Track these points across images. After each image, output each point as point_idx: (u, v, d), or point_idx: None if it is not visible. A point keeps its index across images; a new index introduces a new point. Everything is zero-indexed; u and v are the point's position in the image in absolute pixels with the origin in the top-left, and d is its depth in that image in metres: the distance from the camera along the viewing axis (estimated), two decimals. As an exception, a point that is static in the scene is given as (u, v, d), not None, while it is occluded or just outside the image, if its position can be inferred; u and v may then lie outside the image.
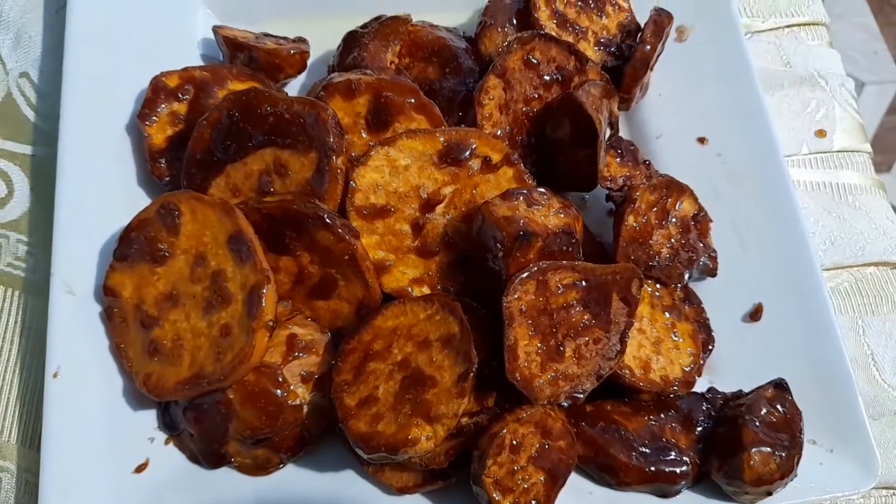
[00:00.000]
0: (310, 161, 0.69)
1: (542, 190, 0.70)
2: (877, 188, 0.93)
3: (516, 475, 0.63)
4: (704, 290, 0.80)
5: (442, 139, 0.70)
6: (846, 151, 0.94)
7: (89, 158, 0.74)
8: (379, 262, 0.70)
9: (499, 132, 0.76)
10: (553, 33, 0.81)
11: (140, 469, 0.67)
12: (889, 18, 2.45)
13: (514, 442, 0.63)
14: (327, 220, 0.66)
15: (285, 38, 0.86)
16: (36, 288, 0.77)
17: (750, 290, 0.80)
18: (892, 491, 0.79)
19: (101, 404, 0.68)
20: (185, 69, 0.77)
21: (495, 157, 0.71)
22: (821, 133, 0.94)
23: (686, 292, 0.79)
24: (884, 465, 0.80)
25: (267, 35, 0.86)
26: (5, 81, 0.84)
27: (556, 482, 0.65)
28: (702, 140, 0.86)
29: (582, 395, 0.67)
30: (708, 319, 0.78)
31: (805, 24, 1.01)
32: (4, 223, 0.79)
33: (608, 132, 0.81)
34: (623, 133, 0.88)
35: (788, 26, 1.01)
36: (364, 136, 0.73)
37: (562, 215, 0.68)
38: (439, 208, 0.71)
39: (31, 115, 0.83)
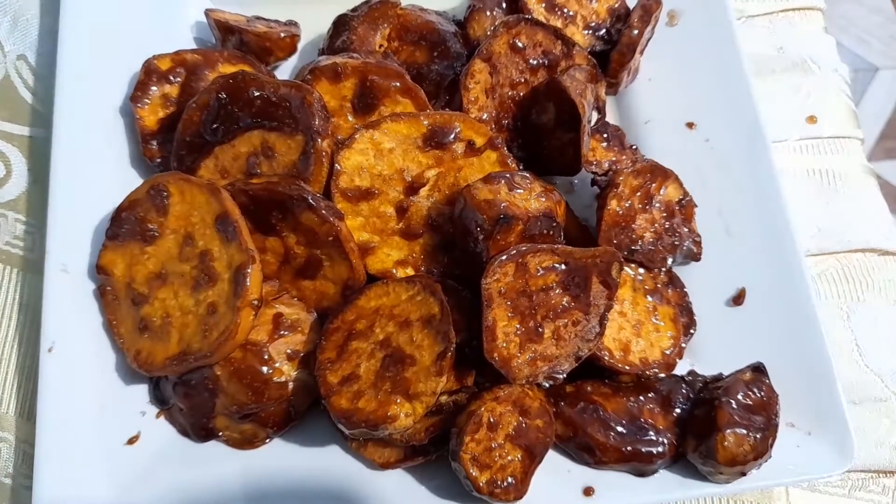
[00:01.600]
0: (296, 143, 0.70)
1: (525, 174, 0.71)
2: (867, 174, 0.93)
3: (493, 452, 0.65)
4: (689, 274, 0.81)
5: (426, 123, 0.71)
6: (837, 138, 0.94)
7: (83, 140, 0.76)
8: (364, 244, 0.71)
9: (485, 116, 0.77)
10: (541, 17, 0.82)
11: (132, 441, 0.70)
12: (906, 0, 2.41)
13: (492, 420, 0.65)
14: (311, 202, 0.67)
15: (277, 22, 0.87)
16: (33, 266, 0.79)
17: (734, 275, 0.80)
18: (870, 474, 0.81)
19: (94, 379, 0.70)
20: (178, 52, 0.79)
21: (479, 141, 0.72)
22: (812, 119, 0.94)
23: (670, 276, 0.80)
24: (864, 449, 0.81)
25: (259, 18, 0.87)
26: (3, 64, 0.86)
27: (533, 459, 0.67)
28: (690, 125, 0.86)
29: (561, 376, 0.68)
30: (690, 303, 0.79)
31: (800, 9, 1.01)
32: (3, 203, 0.82)
33: (595, 116, 0.81)
34: (612, 118, 0.89)
35: (783, 10, 1.00)
36: (350, 119, 0.74)
37: (543, 199, 0.69)
38: (423, 191, 0.72)
39: (28, 97, 0.85)
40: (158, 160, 0.77)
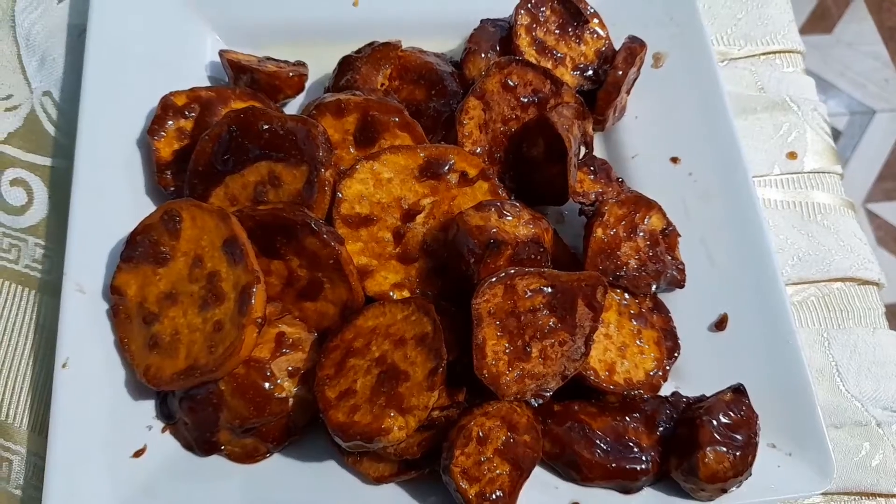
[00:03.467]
0: (301, 173, 0.75)
1: (514, 202, 0.75)
2: (846, 208, 0.98)
3: (483, 466, 0.68)
4: (673, 300, 0.85)
5: (422, 155, 0.76)
6: (817, 172, 0.99)
7: (102, 169, 0.81)
8: (363, 268, 0.76)
9: (479, 150, 0.82)
10: (533, 59, 0.88)
11: (138, 454, 0.73)
12: (899, 46, 2.49)
13: (481, 434, 0.68)
14: (314, 227, 0.72)
15: (286, 62, 0.93)
16: (51, 288, 0.84)
17: (716, 301, 0.84)
18: (853, 496, 0.83)
19: (104, 394, 0.74)
20: (193, 89, 0.84)
21: (472, 172, 0.77)
22: (792, 155, 0.99)
23: (655, 302, 0.83)
24: (845, 472, 0.83)
25: (269, 59, 0.93)
26: (30, 100, 0.92)
27: (521, 474, 0.70)
28: (675, 160, 0.91)
29: (548, 394, 0.72)
30: (675, 328, 0.83)
31: (780, 52, 1.07)
32: (24, 228, 0.86)
33: (583, 151, 0.86)
34: (601, 153, 0.94)
35: (764, 54, 1.06)
36: (352, 151, 0.79)
37: (531, 226, 0.73)
38: (419, 218, 0.77)
39: (52, 130, 0.91)
40: (172, 189, 0.82)
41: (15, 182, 0.88)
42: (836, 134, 2.27)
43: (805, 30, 2.44)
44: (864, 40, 2.45)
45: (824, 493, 0.83)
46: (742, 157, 0.88)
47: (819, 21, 2.47)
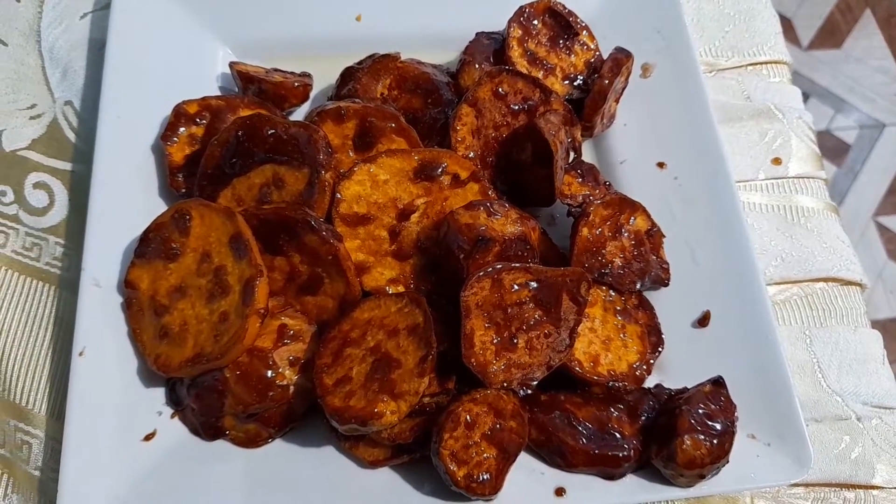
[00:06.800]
0: (303, 175, 0.80)
1: (503, 202, 0.80)
2: (830, 212, 1.01)
3: (470, 449, 0.72)
4: (658, 297, 0.89)
5: (417, 158, 0.81)
6: (801, 177, 1.02)
7: (119, 173, 0.86)
8: (360, 264, 0.80)
9: (471, 154, 0.87)
10: (524, 69, 0.93)
11: (148, 438, 0.77)
12: (908, 60, 2.51)
13: (469, 419, 0.72)
14: (314, 225, 0.77)
15: (292, 73, 0.98)
16: (69, 284, 0.89)
17: (700, 299, 0.88)
18: (832, 488, 0.85)
19: (117, 381, 0.79)
20: (204, 98, 0.90)
21: (463, 175, 0.82)
22: (776, 161, 1.02)
23: (640, 299, 0.87)
24: (826, 464, 0.86)
25: (276, 70, 0.98)
26: (52, 108, 0.98)
27: (507, 458, 0.74)
28: (661, 165, 0.95)
29: (534, 383, 0.76)
30: (659, 324, 0.87)
31: (767, 63, 1.11)
32: (46, 228, 0.92)
33: (571, 155, 0.91)
34: (591, 158, 0.98)
35: (752, 64, 1.10)
36: (351, 154, 0.84)
37: (518, 225, 0.78)
38: (413, 217, 0.81)
39: (72, 137, 0.97)
40: (183, 190, 0.87)
41: (38, 185, 0.94)
42: (845, 148, 2.30)
43: (814, 45, 2.47)
44: (874, 55, 2.48)
45: (805, 485, 0.85)
46: (725, 163, 0.92)
47: (828, 36, 2.51)
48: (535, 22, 0.95)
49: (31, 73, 1.00)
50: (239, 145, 0.82)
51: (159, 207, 0.87)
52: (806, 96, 2.38)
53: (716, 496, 0.83)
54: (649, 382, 0.83)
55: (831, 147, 2.30)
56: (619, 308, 0.84)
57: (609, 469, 0.77)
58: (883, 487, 0.85)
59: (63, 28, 1.02)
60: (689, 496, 0.77)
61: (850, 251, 0.98)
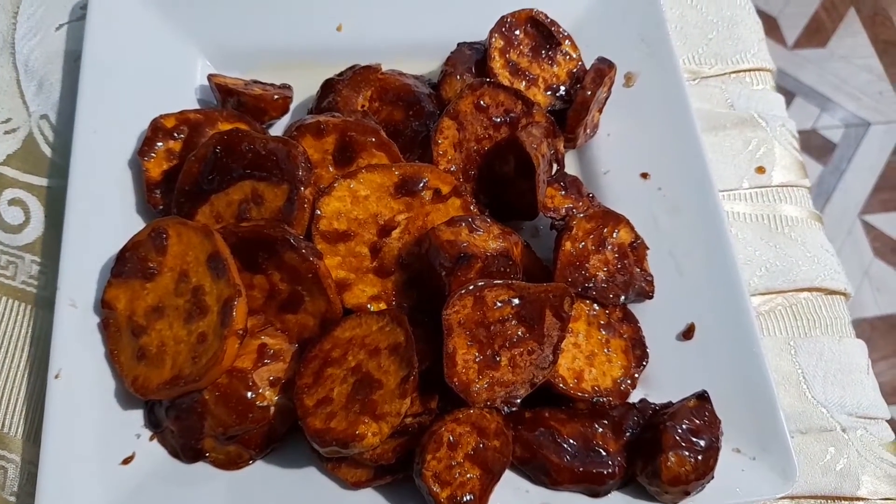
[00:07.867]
0: (282, 192, 0.79)
1: (485, 217, 0.79)
2: (813, 220, 1.01)
3: (454, 470, 0.71)
4: (643, 310, 0.88)
5: (398, 173, 0.80)
6: (785, 186, 1.02)
7: (95, 189, 0.85)
8: (341, 281, 0.79)
9: (453, 167, 0.86)
10: (506, 80, 0.92)
11: (127, 461, 0.76)
12: (894, 59, 2.53)
13: (451, 439, 0.71)
14: (293, 243, 0.75)
15: (272, 85, 0.97)
16: (46, 303, 0.88)
17: (684, 311, 0.87)
18: (818, 499, 0.85)
19: (95, 403, 0.77)
20: (182, 112, 0.89)
21: (445, 189, 0.81)
22: (760, 170, 1.02)
23: (624, 312, 0.87)
24: (811, 476, 0.86)
25: (256, 82, 0.97)
26: (28, 123, 0.96)
27: (491, 478, 0.73)
28: (644, 175, 0.95)
29: (517, 400, 0.75)
30: (644, 337, 0.86)
31: (750, 70, 1.10)
32: (21, 246, 0.90)
33: (554, 168, 0.90)
34: (574, 169, 0.98)
35: (735, 72, 1.10)
36: (331, 169, 0.83)
37: (500, 240, 0.77)
38: (395, 233, 0.80)
39: (48, 151, 0.95)
40: (161, 207, 0.85)
41: (13, 202, 0.92)
42: (831, 146, 2.31)
43: (800, 44, 2.48)
44: (859, 54, 2.50)
45: (790, 497, 0.85)
46: (709, 173, 0.92)
47: (813, 35, 2.52)
48: (518, 32, 0.95)
49: (6, 86, 0.98)
50: (217, 161, 0.81)
51: (137, 225, 0.85)
52: (791, 95, 2.39)
53: (701, 511, 0.82)
54: (634, 396, 0.83)
55: (817, 146, 2.31)
56: (602, 322, 0.84)
57: (594, 486, 0.76)
58: (868, 499, 0.85)
59: (38, 40, 1.00)
60: (675, 513, 0.77)
61: (835, 260, 0.98)
